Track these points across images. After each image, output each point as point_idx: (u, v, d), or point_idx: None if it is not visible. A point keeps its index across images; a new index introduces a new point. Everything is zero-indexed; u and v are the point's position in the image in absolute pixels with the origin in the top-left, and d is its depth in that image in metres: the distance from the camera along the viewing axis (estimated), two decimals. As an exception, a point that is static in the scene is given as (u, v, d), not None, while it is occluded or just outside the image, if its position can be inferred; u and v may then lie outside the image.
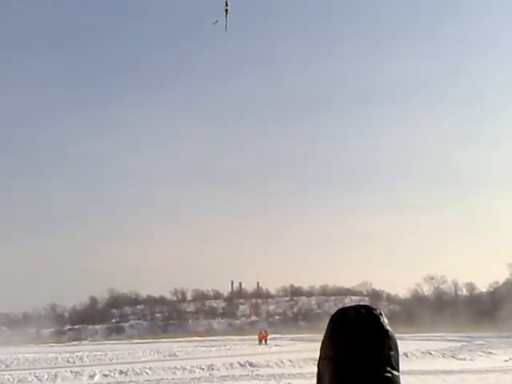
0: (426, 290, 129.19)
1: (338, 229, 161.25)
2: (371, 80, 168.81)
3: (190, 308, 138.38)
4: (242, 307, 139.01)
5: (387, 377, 1.81)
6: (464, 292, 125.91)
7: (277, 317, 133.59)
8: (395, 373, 1.84)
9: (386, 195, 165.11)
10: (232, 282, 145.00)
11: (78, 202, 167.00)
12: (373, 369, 1.80)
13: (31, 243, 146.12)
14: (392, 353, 1.87)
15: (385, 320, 1.88)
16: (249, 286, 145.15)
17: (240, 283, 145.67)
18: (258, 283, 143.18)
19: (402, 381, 1.88)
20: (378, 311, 1.90)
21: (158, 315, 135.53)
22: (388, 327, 1.89)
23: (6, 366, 37.92)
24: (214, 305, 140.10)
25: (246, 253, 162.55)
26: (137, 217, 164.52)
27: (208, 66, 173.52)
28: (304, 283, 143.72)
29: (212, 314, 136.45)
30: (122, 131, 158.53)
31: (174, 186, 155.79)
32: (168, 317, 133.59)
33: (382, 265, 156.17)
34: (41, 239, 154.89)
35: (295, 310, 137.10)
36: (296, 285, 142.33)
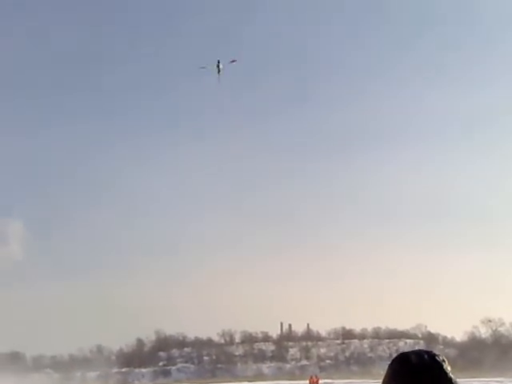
0: (484, 332, 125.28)
1: (391, 269, 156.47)
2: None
3: (239, 351, 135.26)
4: (291, 350, 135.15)
5: None
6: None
7: (328, 361, 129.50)
8: None
9: (441, 235, 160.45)
10: (281, 324, 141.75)
11: (123, 241, 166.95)
12: None
13: (76, 283, 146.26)
14: None
15: (448, 367, 1.82)
16: (299, 328, 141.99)
17: (290, 325, 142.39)
18: (308, 325, 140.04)
19: None
20: (441, 358, 1.85)
21: (205, 358, 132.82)
22: (451, 375, 1.84)
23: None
24: (263, 348, 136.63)
25: (295, 293, 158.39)
26: (183, 256, 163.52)
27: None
28: (356, 325, 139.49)
29: (261, 357, 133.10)
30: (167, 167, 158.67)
31: (220, 225, 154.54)
32: (216, 360, 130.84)
33: (437, 306, 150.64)
34: (87, 279, 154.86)
35: (347, 353, 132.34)
36: (348, 327, 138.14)
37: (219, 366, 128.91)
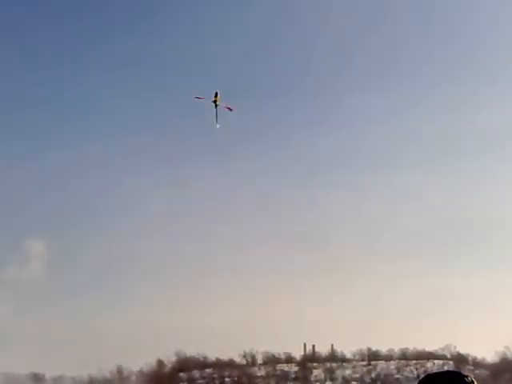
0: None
1: (417, 288, 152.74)
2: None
3: (261, 372, 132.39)
4: (315, 372, 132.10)
5: None
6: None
7: (353, 382, 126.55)
8: None
9: (472, 254, 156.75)
10: (305, 345, 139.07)
11: (145, 264, 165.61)
12: None
13: (96, 305, 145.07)
14: None
15: None
16: (323, 349, 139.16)
17: (313, 346, 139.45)
18: (332, 346, 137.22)
19: None
20: (469, 378, 1.82)
21: (227, 380, 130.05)
22: None
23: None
24: (286, 369, 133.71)
25: (319, 313, 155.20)
26: (204, 277, 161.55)
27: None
28: (382, 346, 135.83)
29: (284, 378, 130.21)
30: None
31: (242, 248, 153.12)
32: (238, 381, 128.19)
33: (467, 326, 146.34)
34: (105, 300, 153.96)
35: (373, 375, 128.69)
36: (373, 348, 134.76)
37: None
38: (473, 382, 1.75)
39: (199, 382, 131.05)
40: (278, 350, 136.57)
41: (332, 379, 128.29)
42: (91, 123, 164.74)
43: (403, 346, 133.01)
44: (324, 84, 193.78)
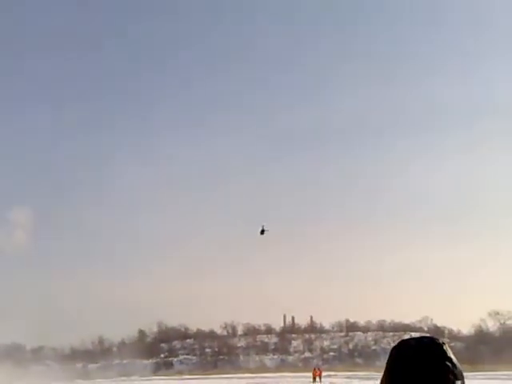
0: (491, 326, 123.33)
1: (396, 261, 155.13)
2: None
3: (241, 343, 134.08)
4: (294, 343, 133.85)
5: None
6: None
7: (331, 353, 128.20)
8: None
9: (446, 227, 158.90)
10: (284, 316, 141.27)
11: (127, 233, 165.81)
12: None
13: (78, 276, 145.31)
14: (458, 382, 1.83)
15: (448, 349, 1.84)
16: (302, 321, 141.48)
17: (293, 317, 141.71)
18: (311, 317, 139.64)
19: None
20: (441, 341, 1.86)
21: (207, 350, 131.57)
22: (452, 356, 1.85)
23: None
24: (266, 340, 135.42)
25: (299, 286, 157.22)
26: (186, 250, 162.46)
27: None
28: (360, 318, 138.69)
29: (264, 349, 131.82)
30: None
31: (225, 223, 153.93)
32: (218, 352, 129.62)
33: (443, 299, 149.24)
34: (88, 272, 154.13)
35: (351, 346, 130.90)
36: (352, 319, 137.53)
37: (221, 357, 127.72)
38: (444, 343, 1.81)
39: (180, 352, 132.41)
40: (259, 321, 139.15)
41: (310, 350, 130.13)
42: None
43: (381, 319, 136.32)
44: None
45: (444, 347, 1.83)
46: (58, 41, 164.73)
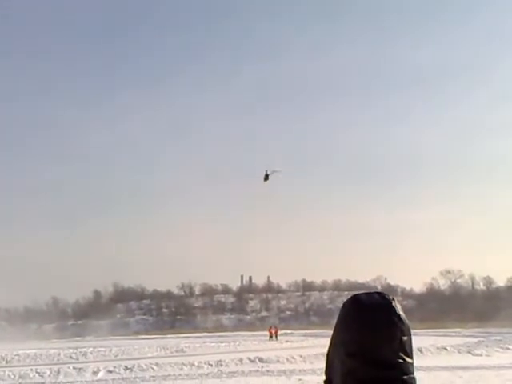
0: (443, 284, 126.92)
1: (351, 223, 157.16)
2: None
3: (198, 303, 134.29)
4: (252, 302, 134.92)
5: (399, 362, 1.81)
6: (481, 286, 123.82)
7: (288, 312, 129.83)
8: (408, 359, 1.83)
9: (400, 189, 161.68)
10: (242, 277, 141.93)
11: (81, 193, 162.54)
12: (385, 353, 1.79)
13: (32, 235, 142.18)
14: (405, 338, 1.85)
15: (397, 305, 1.87)
16: (259, 281, 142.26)
17: (250, 277, 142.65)
18: (268, 277, 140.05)
19: (415, 374, 1.83)
20: (390, 296, 1.89)
21: (164, 310, 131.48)
22: (401, 312, 1.87)
23: (7, 363, 36.07)
24: (223, 300, 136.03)
25: (256, 246, 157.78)
26: (143, 209, 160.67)
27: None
28: (316, 278, 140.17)
29: (221, 309, 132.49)
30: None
31: (183, 180, 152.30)
32: (175, 312, 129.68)
33: (396, 259, 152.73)
34: (42, 232, 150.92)
35: (307, 305, 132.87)
36: (308, 279, 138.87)
37: (178, 317, 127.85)
38: (393, 299, 1.86)
39: (136, 312, 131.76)
40: (216, 281, 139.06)
41: (267, 309, 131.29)
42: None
43: (336, 278, 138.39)
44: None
45: (393, 303, 1.86)
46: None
